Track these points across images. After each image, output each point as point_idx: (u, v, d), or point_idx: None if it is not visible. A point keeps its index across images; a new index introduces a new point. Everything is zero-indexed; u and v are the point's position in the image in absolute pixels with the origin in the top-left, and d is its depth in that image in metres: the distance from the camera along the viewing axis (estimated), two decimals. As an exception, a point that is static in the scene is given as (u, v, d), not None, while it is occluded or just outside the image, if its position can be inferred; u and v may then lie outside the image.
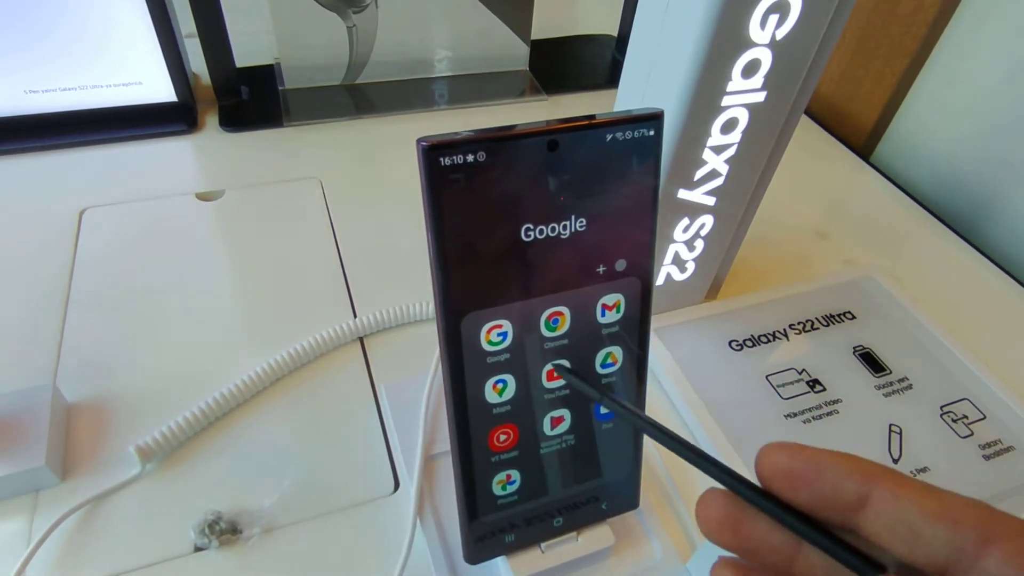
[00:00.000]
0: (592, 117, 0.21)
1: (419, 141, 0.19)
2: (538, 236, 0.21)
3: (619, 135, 0.21)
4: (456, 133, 0.19)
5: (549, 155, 0.20)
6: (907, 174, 0.58)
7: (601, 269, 0.23)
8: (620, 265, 0.23)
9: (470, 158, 0.19)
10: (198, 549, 0.29)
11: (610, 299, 0.23)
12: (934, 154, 0.55)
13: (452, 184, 0.20)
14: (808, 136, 0.60)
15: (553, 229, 0.21)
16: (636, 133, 0.21)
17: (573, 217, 0.21)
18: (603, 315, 0.24)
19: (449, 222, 0.20)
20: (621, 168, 0.21)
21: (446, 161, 0.19)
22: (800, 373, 0.37)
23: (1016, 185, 0.50)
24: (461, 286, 0.21)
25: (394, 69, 0.58)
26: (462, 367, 0.22)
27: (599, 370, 0.25)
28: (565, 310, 0.23)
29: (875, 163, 0.57)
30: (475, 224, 0.20)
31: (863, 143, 0.61)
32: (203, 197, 0.46)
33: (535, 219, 0.21)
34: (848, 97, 0.61)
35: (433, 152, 0.19)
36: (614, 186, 0.22)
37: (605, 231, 0.22)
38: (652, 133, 0.21)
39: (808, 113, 0.62)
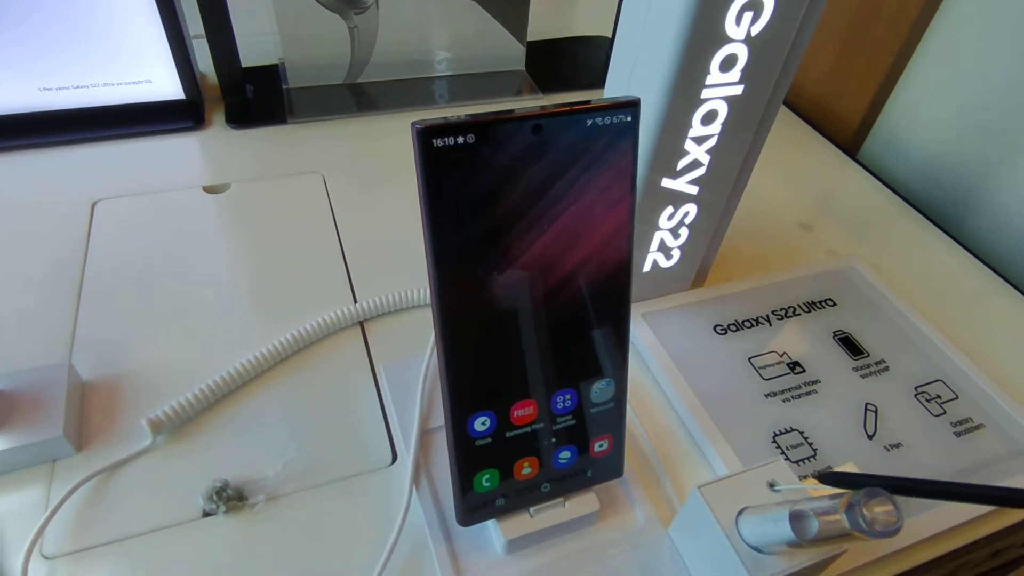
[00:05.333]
0: (573, 104, 0.22)
1: (414, 124, 0.21)
2: (524, 214, 0.23)
3: (599, 120, 0.23)
4: (447, 117, 0.21)
5: (534, 138, 0.22)
6: (892, 170, 0.59)
7: (584, 246, 0.24)
8: (601, 243, 0.25)
9: (460, 140, 0.21)
10: (206, 514, 0.30)
11: (593, 275, 0.25)
12: (918, 150, 0.57)
13: (444, 164, 0.21)
14: (796, 133, 0.61)
15: (538, 208, 0.23)
16: (615, 119, 0.23)
17: (557, 197, 0.23)
18: (587, 290, 0.25)
19: (441, 199, 0.22)
20: (601, 151, 0.23)
21: (438, 142, 0.21)
22: (781, 356, 0.39)
23: (994, 179, 0.51)
24: (453, 258, 0.23)
25: (394, 69, 0.60)
26: (457, 340, 0.24)
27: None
28: (552, 286, 0.25)
29: (861, 160, 0.59)
30: (466, 201, 0.22)
31: (850, 140, 0.63)
32: (210, 190, 0.48)
33: (522, 197, 0.23)
34: (835, 95, 0.63)
35: (426, 134, 0.21)
36: (595, 168, 0.23)
37: (587, 210, 0.24)
38: (630, 119, 0.23)
39: (796, 111, 0.64)
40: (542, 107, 0.22)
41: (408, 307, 0.40)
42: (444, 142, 0.21)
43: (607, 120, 0.23)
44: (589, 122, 0.23)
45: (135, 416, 0.33)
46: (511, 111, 0.22)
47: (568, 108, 0.22)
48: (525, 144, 0.22)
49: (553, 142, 0.22)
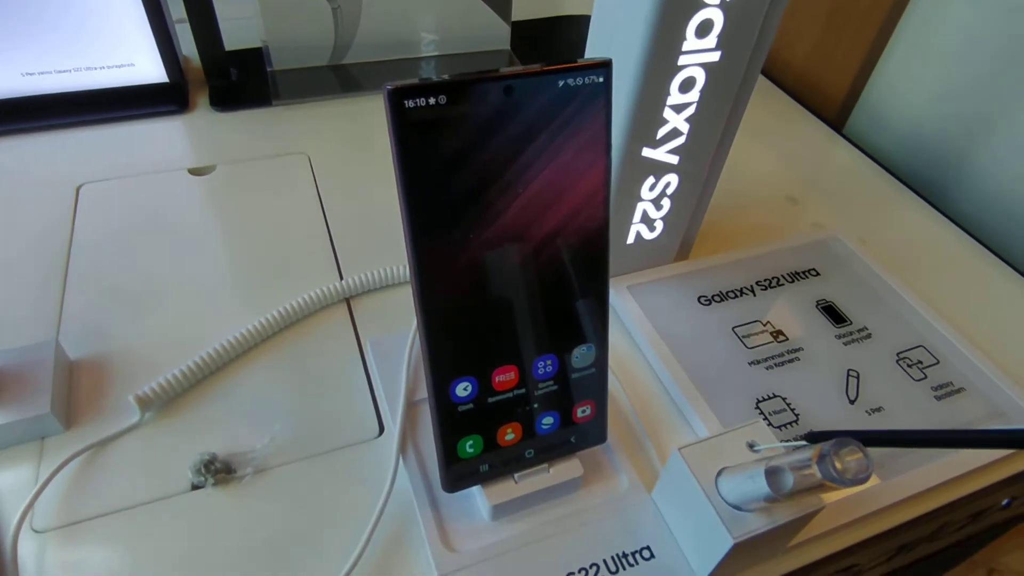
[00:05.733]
0: (545, 64, 0.23)
1: (385, 86, 0.21)
2: (499, 177, 0.23)
3: (571, 81, 0.23)
4: (419, 78, 0.21)
5: (506, 99, 0.22)
6: (877, 143, 0.60)
7: (561, 209, 0.25)
8: (578, 205, 0.25)
9: (432, 101, 0.21)
10: (195, 487, 0.31)
11: (571, 239, 0.25)
12: (902, 122, 0.57)
13: (416, 125, 0.21)
14: (782, 108, 0.61)
15: (513, 171, 0.23)
16: (587, 80, 0.23)
17: (532, 159, 0.23)
18: (565, 254, 0.25)
19: (415, 161, 0.22)
20: (575, 113, 0.23)
21: (410, 103, 0.21)
22: (765, 325, 0.39)
23: (976, 151, 0.52)
24: (428, 222, 0.23)
25: (378, 50, 0.59)
26: (436, 304, 0.24)
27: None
28: (530, 250, 0.25)
29: (847, 134, 0.59)
30: (440, 164, 0.22)
31: (835, 115, 0.63)
32: (195, 172, 0.48)
33: (496, 160, 0.23)
34: (820, 71, 0.63)
35: (398, 95, 0.21)
36: (569, 130, 0.23)
37: (562, 173, 0.24)
38: (602, 80, 0.23)
39: (782, 87, 0.64)
40: (513, 68, 0.22)
41: (394, 284, 0.41)
42: (416, 103, 0.21)
43: (579, 81, 0.23)
44: (561, 83, 0.23)
45: (123, 393, 0.33)
46: (483, 71, 0.22)
47: (539, 69, 0.22)
48: (498, 105, 0.22)
49: (526, 103, 0.23)
